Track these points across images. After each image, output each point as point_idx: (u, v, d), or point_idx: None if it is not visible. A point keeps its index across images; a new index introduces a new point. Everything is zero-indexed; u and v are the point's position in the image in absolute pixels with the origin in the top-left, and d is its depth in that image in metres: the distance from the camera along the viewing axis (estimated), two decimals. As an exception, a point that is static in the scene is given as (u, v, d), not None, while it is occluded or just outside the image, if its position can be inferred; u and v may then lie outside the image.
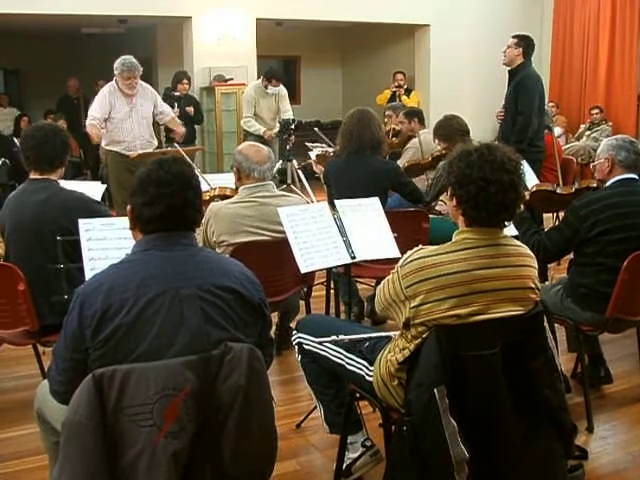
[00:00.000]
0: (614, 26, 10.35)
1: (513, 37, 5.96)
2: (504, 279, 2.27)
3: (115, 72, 5.95)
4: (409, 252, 2.33)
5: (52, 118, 9.09)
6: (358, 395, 2.69)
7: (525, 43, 5.88)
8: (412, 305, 2.26)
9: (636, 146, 3.47)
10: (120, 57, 5.96)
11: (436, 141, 5.07)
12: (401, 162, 5.54)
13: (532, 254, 2.42)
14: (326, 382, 2.88)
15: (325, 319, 3.44)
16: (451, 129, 4.89)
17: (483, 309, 2.23)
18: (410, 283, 2.26)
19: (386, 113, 6.76)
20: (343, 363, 2.67)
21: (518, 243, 2.41)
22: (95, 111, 6.00)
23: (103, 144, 6.29)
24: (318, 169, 5.24)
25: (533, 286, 2.34)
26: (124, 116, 6.05)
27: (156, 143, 6.45)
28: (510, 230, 2.44)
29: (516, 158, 2.30)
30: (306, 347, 2.84)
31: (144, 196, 2.02)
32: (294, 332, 2.94)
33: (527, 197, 3.94)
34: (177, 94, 8.50)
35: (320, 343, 2.75)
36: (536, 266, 2.40)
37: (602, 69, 10.51)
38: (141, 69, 6.04)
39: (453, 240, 2.34)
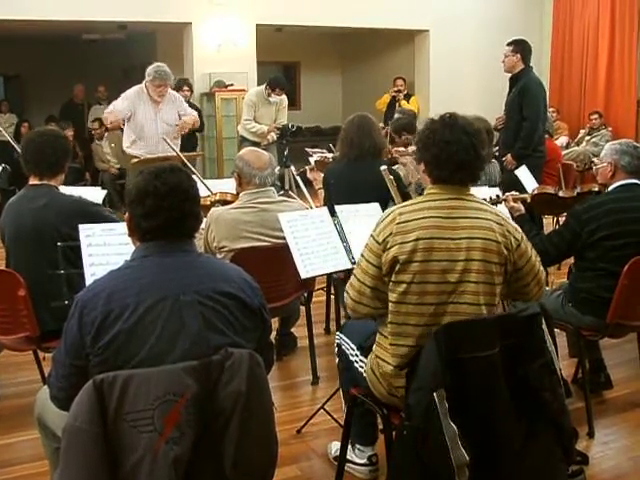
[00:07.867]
0: (613, 31, 10.36)
1: (508, 44, 5.91)
2: (470, 228, 2.35)
3: (147, 77, 5.95)
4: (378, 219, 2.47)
5: (59, 126, 8.68)
6: (358, 400, 2.68)
7: (521, 48, 5.84)
8: (387, 250, 2.35)
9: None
10: (154, 63, 6.02)
11: None
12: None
13: (497, 210, 2.50)
14: None
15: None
16: None
17: (453, 254, 2.31)
18: (386, 235, 2.37)
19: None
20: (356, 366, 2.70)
21: (482, 200, 2.50)
22: (116, 106, 6.07)
23: (125, 147, 6.25)
24: (312, 176, 5.19)
25: (500, 240, 2.37)
26: (148, 120, 6.06)
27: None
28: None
29: (477, 125, 2.46)
30: (344, 348, 2.84)
31: (142, 207, 2.01)
32: (337, 334, 2.95)
33: (529, 199, 3.96)
34: None
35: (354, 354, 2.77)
36: (503, 223, 2.43)
37: (602, 74, 10.52)
38: (173, 78, 6.14)
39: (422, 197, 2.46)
